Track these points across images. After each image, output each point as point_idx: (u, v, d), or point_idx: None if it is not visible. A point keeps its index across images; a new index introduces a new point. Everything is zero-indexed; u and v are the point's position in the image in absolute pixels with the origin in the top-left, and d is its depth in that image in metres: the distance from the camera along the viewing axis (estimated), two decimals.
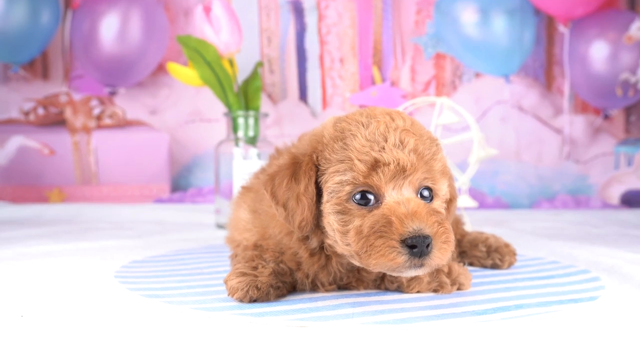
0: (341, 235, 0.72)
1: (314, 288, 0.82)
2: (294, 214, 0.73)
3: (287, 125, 2.09)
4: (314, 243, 0.78)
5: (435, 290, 0.81)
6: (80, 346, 0.59)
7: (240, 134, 1.64)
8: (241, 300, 0.75)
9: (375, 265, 0.68)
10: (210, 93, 1.69)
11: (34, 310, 0.73)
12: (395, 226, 0.67)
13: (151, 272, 0.98)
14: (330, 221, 0.73)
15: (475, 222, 1.54)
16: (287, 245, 0.81)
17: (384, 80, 2.09)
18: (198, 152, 2.09)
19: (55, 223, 1.72)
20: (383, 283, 0.83)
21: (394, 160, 0.70)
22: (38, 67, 2.07)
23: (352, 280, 0.82)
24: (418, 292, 0.81)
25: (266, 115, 1.69)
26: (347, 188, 0.71)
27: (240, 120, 1.64)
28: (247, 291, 0.75)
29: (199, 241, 1.38)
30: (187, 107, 2.09)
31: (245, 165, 1.59)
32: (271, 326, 0.66)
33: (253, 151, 1.63)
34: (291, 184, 0.74)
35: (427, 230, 0.67)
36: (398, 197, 0.70)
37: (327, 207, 0.73)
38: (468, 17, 2.03)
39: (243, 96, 1.66)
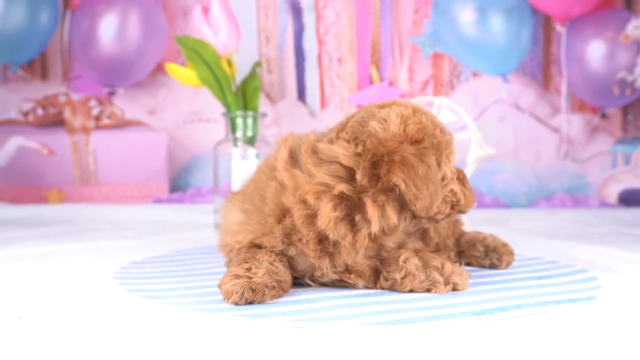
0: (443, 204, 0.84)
1: (329, 273, 0.83)
2: (436, 196, 0.77)
3: (285, 125, 2.09)
4: (363, 232, 0.79)
5: (428, 290, 0.82)
6: (80, 348, 0.59)
7: (239, 134, 1.64)
8: (237, 303, 0.75)
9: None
10: (208, 93, 1.69)
11: (33, 311, 0.73)
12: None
13: (150, 273, 0.99)
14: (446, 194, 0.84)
15: (474, 222, 1.54)
16: (319, 230, 0.80)
17: (382, 79, 2.09)
18: (197, 152, 2.09)
19: (55, 223, 1.72)
20: (378, 281, 0.84)
21: None
22: (37, 67, 2.07)
23: (364, 267, 0.84)
24: (411, 290, 0.82)
25: (264, 115, 1.70)
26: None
27: (239, 120, 1.64)
28: (243, 293, 0.75)
29: (197, 241, 1.38)
30: (185, 107, 2.09)
31: (243, 165, 1.59)
32: (269, 327, 0.67)
33: (251, 151, 1.64)
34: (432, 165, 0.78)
35: None
36: None
37: (451, 183, 0.84)
38: (466, 17, 2.03)
39: (241, 96, 1.66)
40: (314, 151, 0.80)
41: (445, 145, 0.82)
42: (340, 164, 0.78)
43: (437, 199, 0.77)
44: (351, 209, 0.78)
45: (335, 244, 0.80)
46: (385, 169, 0.76)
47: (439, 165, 0.80)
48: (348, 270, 0.84)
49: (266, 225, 0.83)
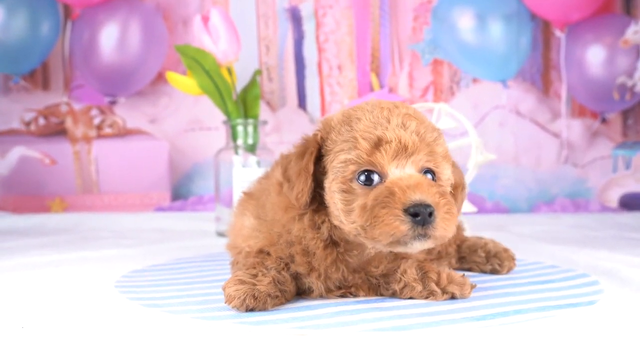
0: (345, 214, 0.74)
1: (323, 293, 0.82)
2: (294, 186, 0.77)
3: (286, 132, 2.10)
4: (324, 233, 0.79)
5: (426, 298, 0.82)
6: (82, 357, 0.60)
7: (240, 141, 1.65)
8: (238, 309, 0.75)
9: (380, 235, 0.70)
10: (209, 101, 1.70)
11: (34, 321, 0.74)
12: (397, 196, 0.70)
13: (151, 281, 0.99)
14: (335, 200, 0.75)
15: (475, 227, 1.54)
16: (297, 237, 0.81)
17: (382, 86, 2.10)
18: (198, 160, 2.09)
19: (57, 232, 1.73)
20: (379, 288, 0.84)
21: (396, 138, 0.73)
22: (38, 77, 2.08)
23: (357, 281, 0.83)
24: (411, 297, 0.82)
25: (265, 122, 1.70)
26: (352, 167, 0.74)
27: (240, 128, 1.65)
28: (244, 300, 0.75)
29: (199, 249, 1.38)
30: (186, 116, 2.10)
31: (244, 173, 1.59)
32: (271, 335, 0.67)
33: (252, 159, 1.64)
34: (297, 160, 0.78)
35: (429, 200, 0.70)
36: (401, 173, 0.73)
37: (333, 185, 0.76)
38: (465, 23, 2.04)
39: (242, 104, 1.67)
40: None
41: (327, 142, 0.78)
42: None
43: (294, 190, 0.78)
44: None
45: (318, 259, 0.80)
46: None
47: (320, 159, 0.79)
48: (346, 286, 0.83)
49: (273, 234, 0.84)
